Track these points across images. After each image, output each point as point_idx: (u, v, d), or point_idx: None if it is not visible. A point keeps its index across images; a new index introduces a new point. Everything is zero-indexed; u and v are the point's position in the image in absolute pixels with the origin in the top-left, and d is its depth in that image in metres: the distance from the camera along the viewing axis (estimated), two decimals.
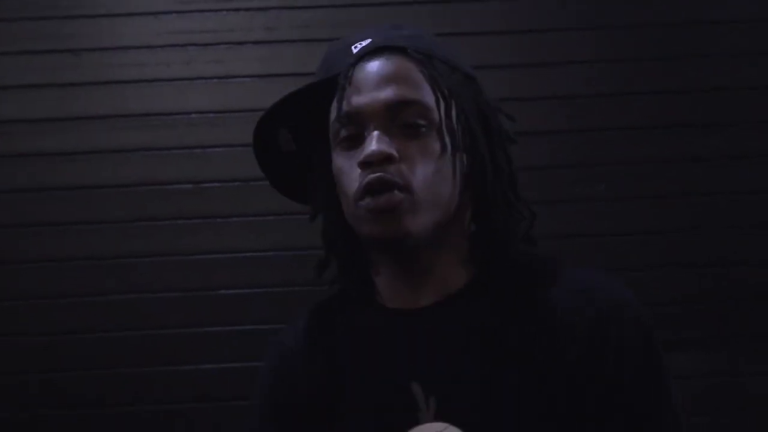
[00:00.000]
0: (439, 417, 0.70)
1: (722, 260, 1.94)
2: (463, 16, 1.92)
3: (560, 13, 2.00)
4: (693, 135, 1.97)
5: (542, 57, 1.98)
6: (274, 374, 0.85)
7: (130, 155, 1.95)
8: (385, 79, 0.73)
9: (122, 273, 1.93)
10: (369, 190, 0.71)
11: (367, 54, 0.75)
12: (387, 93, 0.72)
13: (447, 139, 0.74)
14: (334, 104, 0.75)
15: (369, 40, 0.77)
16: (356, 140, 0.74)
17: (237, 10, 1.98)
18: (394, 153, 0.71)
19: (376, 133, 0.71)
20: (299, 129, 0.82)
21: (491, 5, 1.99)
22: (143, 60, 1.97)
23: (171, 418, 1.88)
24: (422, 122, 0.73)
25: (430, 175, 0.72)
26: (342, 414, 0.76)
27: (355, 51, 0.76)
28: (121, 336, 1.91)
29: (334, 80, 0.75)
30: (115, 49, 1.97)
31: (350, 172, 0.73)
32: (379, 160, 0.70)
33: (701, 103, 1.98)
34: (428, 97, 0.74)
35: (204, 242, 1.94)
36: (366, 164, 0.71)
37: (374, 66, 0.74)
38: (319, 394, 0.78)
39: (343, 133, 0.74)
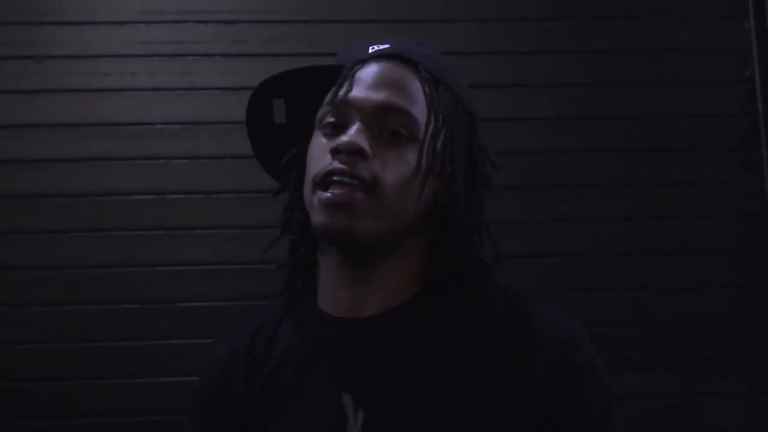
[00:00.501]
0: (365, 430, 0.71)
1: (679, 283, 1.97)
2: (433, 37, 1.94)
3: (527, 37, 2.03)
4: (655, 159, 2.01)
5: (507, 79, 2.01)
6: (210, 384, 0.84)
7: (93, 164, 1.93)
8: (384, 82, 0.75)
9: (84, 283, 1.89)
10: (329, 178, 0.71)
11: (379, 56, 0.77)
12: (380, 95, 0.74)
13: (425, 159, 0.75)
14: (332, 90, 0.76)
15: (387, 45, 0.79)
16: (339, 128, 0.75)
17: (205, 22, 1.97)
18: (367, 149, 0.72)
19: (357, 125, 0.73)
20: (296, 106, 0.83)
21: (460, 26, 2.02)
22: (108, 69, 1.95)
23: (130, 430, 1.85)
24: (404, 132, 0.74)
25: (397, 184, 0.73)
26: (278, 423, 0.76)
27: (370, 51, 0.78)
28: (80, 347, 1.88)
29: (341, 69, 0.77)
30: (79, 58, 1.95)
31: (320, 157, 0.74)
32: (350, 151, 0.71)
33: (664, 128, 2.03)
34: (420, 113, 0.75)
35: (167, 253, 1.92)
36: (336, 151, 0.72)
37: (380, 68, 0.76)
38: (256, 403, 0.78)
39: (329, 118, 0.76)
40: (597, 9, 2.06)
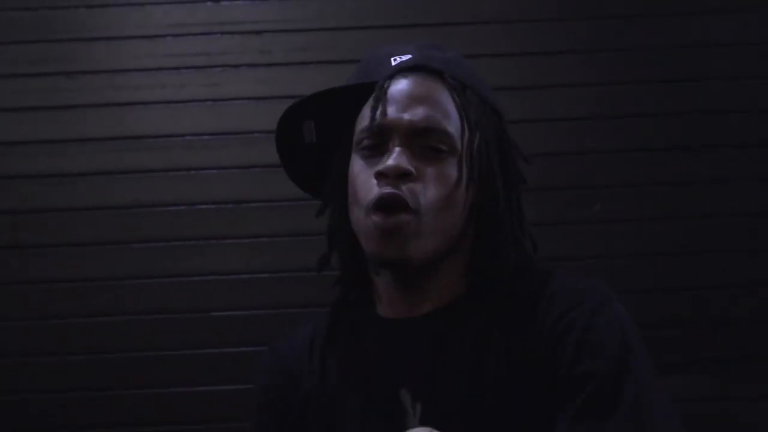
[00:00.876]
0: (424, 422, 0.72)
1: (714, 283, 1.93)
2: (460, 38, 1.93)
3: (556, 36, 2.01)
4: (687, 157, 1.98)
5: (538, 79, 1.99)
6: (271, 378, 0.86)
7: (124, 177, 1.95)
8: (417, 100, 0.76)
9: (116, 294, 1.92)
10: (380, 203, 0.73)
11: (405, 69, 0.77)
12: (416, 114, 0.75)
13: (465, 169, 0.76)
14: (365, 112, 0.77)
15: (409, 56, 0.79)
16: (377, 149, 0.76)
17: (231, 33, 1.99)
18: (412, 170, 0.73)
19: (398, 148, 0.74)
20: (324, 123, 0.83)
21: (487, 27, 2.01)
22: (138, 82, 1.98)
23: None
24: (444, 147, 0.75)
25: (442, 199, 0.75)
26: (336, 420, 0.78)
27: (394, 63, 0.79)
28: (115, 357, 1.90)
29: (368, 86, 0.78)
30: (109, 72, 1.98)
31: (366, 180, 0.75)
32: (397, 174, 0.73)
33: (695, 125, 1.99)
34: (454, 124, 0.77)
35: (198, 264, 1.93)
36: (382, 175, 0.73)
37: (410, 84, 0.77)
38: (315, 400, 0.80)
39: (367, 142, 0.77)
40: (621, 6, 2.03)
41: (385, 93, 0.76)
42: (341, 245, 0.83)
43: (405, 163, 0.73)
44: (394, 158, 0.73)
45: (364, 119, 0.77)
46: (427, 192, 0.74)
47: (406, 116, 0.75)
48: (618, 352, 0.71)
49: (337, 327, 0.84)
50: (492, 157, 0.78)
